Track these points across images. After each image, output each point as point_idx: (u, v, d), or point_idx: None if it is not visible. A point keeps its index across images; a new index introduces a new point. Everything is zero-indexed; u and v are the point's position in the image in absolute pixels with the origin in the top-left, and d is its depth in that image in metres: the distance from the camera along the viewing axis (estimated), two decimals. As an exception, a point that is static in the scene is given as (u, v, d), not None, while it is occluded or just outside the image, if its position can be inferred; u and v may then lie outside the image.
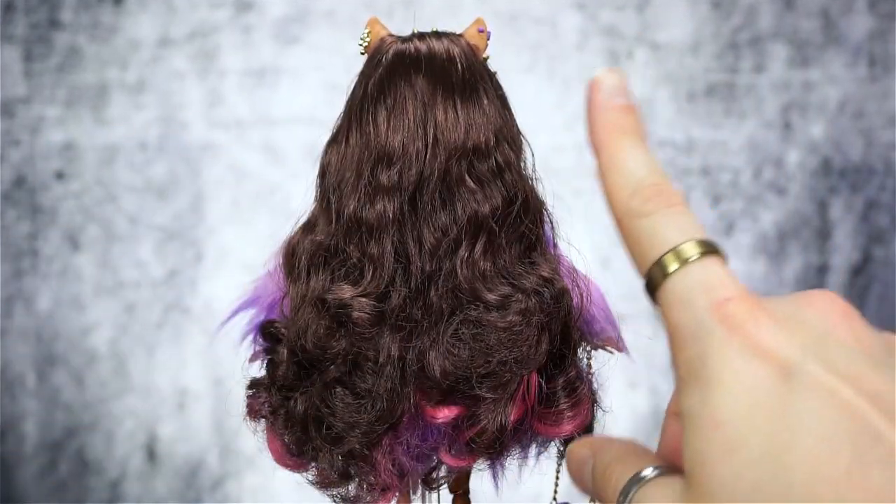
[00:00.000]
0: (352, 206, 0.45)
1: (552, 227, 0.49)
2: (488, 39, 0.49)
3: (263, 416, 0.48)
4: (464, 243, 0.44)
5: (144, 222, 1.16)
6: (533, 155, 0.49)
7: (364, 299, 0.44)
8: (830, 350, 0.20)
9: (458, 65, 0.47)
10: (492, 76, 0.48)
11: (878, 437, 0.19)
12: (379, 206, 0.44)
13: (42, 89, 1.15)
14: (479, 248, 0.45)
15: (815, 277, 1.23)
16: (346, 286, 0.44)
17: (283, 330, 0.47)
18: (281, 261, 0.48)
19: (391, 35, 0.48)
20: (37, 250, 1.15)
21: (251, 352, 0.49)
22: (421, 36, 0.47)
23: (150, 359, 1.17)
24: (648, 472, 0.23)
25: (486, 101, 0.46)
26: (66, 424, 1.16)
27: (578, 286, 0.47)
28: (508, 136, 0.47)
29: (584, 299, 0.47)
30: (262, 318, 0.49)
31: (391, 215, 0.44)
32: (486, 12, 1.24)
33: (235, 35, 1.16)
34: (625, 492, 0.23)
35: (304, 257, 0.46)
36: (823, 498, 0.18)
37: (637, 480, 0.23)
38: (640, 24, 1.19)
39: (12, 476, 1.16)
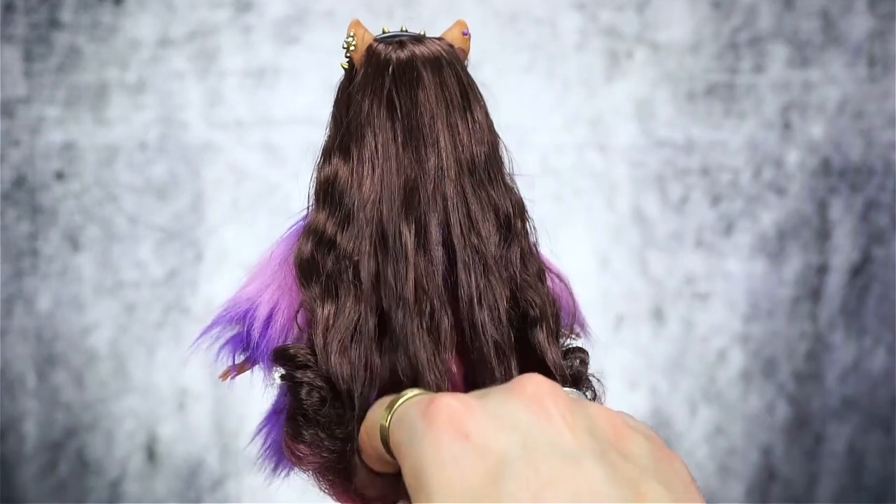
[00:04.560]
0: (396, 233, 0.44)
1: (534, 231, 0.49)
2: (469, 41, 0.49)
3: (302, 467, 0.46)
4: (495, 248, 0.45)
5: (144, 222, 1.16)
6: (511, 159, 0.49)
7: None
8: (540, 447, 0.20)
9: (458, 69, 0.47)
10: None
11: None
12: (406, 227, 0.44)
13: (42, 89, 1.15)
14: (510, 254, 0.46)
15: (815, 277, 1.23)
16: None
17: (307, 355, 0.45)
18: (297, 273, 0.47)
19: (377, 39, 0.47)
20: (37, 250, 1.16)
21: (225, 368, 0.48)
22: (415, 40, 0.47)
23: (150, 359, 1.17)
24: None
25: (482, 104, 0.47)
26: (66, 424, 1.16)
27: (569, 292, 0.48)
28: (495, 137, 0.48)
29: (577, 307, 0.48)
30: (233, 332, 0.48)
31: (417, 237, 0.44)
32: (486, 12, 1.24)
33: (235, 35, 1.16)
34: None
35: (333, 273, 0.45)
36: None
37: None
38: (640, 24, 1.19)
39: (12, 476, 1.16)
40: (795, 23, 1.21)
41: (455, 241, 0.45)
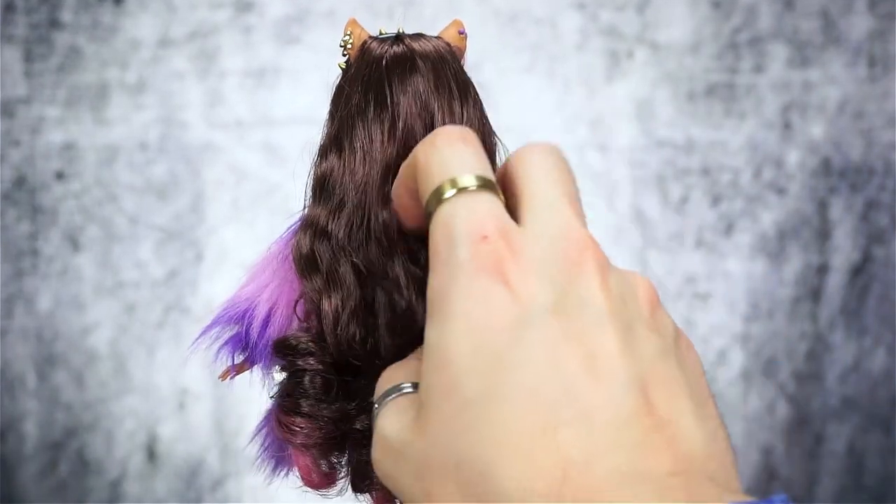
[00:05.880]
0: (375, 215, 0.45)
1: None
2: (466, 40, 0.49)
3: (294, 441, 0.47)
4: None
5: (144, 222, 1.16)
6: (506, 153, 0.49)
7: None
8: (571, 303, 0.20)
9: (451, 66, 0.47)
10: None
11: (576, 398, 0.19)
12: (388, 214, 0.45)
13: (42, 89, 1.15)
14: None
15: (815, 277, 1.23)
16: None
17: (309, 343, 0.46)
18: (297, 267, 0.47)
19: (372, 37, 0.48)
20: (37, 250, 1.16)
21: (224, 368, 0.49)
22: (413, 37, 0.47)
23: (151, 359, 1.17)
24: (408, 386, 0.23)
25: (479, 102, 0.47)
26: (66, 424, 1.16)
27: None
28: (490, 134, 0.48)
29: None
30: (233, 332, 0.48)
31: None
32: (486, 12, 1.24)
33: (235, 35, 1.16)
34: (383, 396, 0.23)
35: (335, 265, 0.46)
36: (519, 449, 0.19)
37: (396, 390, 0.23)
38: (640, 24, 1.19)
39: (12, 476, 1.16)
40: (795, 23, 1.21)
41: None
